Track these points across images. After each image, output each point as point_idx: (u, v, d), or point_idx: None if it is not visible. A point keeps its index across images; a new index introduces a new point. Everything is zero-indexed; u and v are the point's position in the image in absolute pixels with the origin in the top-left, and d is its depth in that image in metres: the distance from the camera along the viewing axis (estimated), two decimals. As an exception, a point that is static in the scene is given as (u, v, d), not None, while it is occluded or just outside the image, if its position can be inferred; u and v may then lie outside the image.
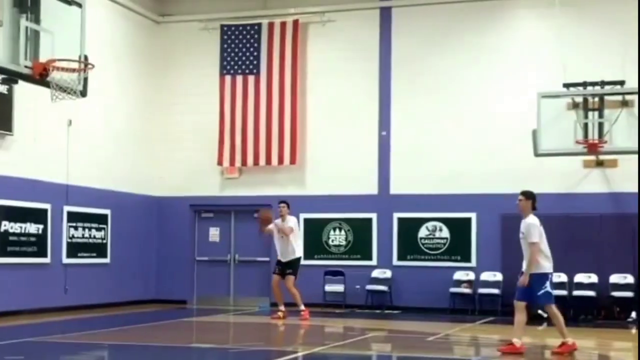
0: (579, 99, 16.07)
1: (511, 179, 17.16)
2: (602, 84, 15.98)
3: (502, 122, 17.40)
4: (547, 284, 10.43)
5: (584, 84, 16.05)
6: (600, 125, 15.72)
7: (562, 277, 16.57)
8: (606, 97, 15.89)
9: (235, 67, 18.90)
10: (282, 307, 15.68)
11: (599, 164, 16.63)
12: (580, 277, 16.48)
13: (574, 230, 16.54)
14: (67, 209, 16.45)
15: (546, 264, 10.45)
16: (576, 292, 16.35)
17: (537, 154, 15.79)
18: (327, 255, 18.27)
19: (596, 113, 15.88)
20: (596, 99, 15.95)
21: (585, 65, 16.37)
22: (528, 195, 10.64)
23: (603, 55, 16.57)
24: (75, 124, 16.54)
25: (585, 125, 15.80)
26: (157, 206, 19.39)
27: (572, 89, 16.03)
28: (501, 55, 17.63)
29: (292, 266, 15.70)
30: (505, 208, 15.57)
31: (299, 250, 15.88)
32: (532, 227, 10.38)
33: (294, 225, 15.81)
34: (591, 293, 16.24)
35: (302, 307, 15.60)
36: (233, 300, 19.09)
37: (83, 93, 10.48)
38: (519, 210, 10.69)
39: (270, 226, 15.91)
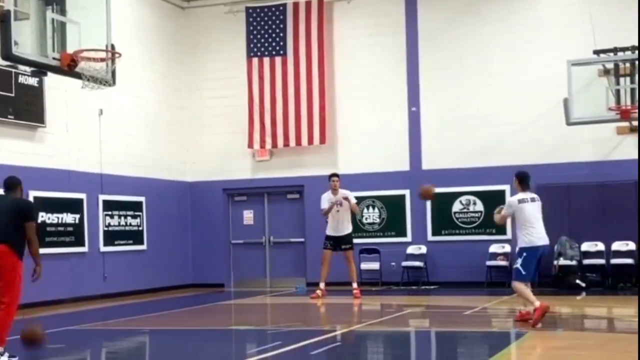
0: (610, 65, 15.85)
1: (544, 149, 17.04)
2: (633, 49, 15.72)
3: (533, 92, 17.23)
4: (520, 260, 10.93)
5: (615, 50, 15.81)
6: (633, 90, 15.46)
7: (599, 246, 16.46)
8: (637, 62, 15.64)
9: (262, 49, 18.88)
10: (322, 285, 15.67)
11: (633, 130, 16.43)
12: (617, 245, 16.32)
13: (610, 198, 16.41)
14: (102, 197, 16.61)
15: (525, 239, 10.89)
16: (614, 260, 16.22)
17: (569, 123, 15.61)
18: (361, 234, 18.23)
19: (628, 79, 15.63)
20: (627, 65, 15.71)
21: (615, 30, 16.13)
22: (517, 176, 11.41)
23: (633, 19, 16.28)
24: (106, 114, 16.67)
25: (618, 92, 15.58)
26: (191, 191, 19.51)
27: (602, 55, 15.81)
28: (529, 24, 17.42)
29: (349, 240, 15.64)
30: (540, 179, 15.42)
31: (351, 225, 15.86)
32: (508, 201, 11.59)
33: (352, 198, 15.56)
34: (629, 261, 16.08)
35: (356, 285, 15.63)
36: (270, 282, 19.18)
37: (112, 82, 10.55)
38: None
39: (326, 205, 15.49)
